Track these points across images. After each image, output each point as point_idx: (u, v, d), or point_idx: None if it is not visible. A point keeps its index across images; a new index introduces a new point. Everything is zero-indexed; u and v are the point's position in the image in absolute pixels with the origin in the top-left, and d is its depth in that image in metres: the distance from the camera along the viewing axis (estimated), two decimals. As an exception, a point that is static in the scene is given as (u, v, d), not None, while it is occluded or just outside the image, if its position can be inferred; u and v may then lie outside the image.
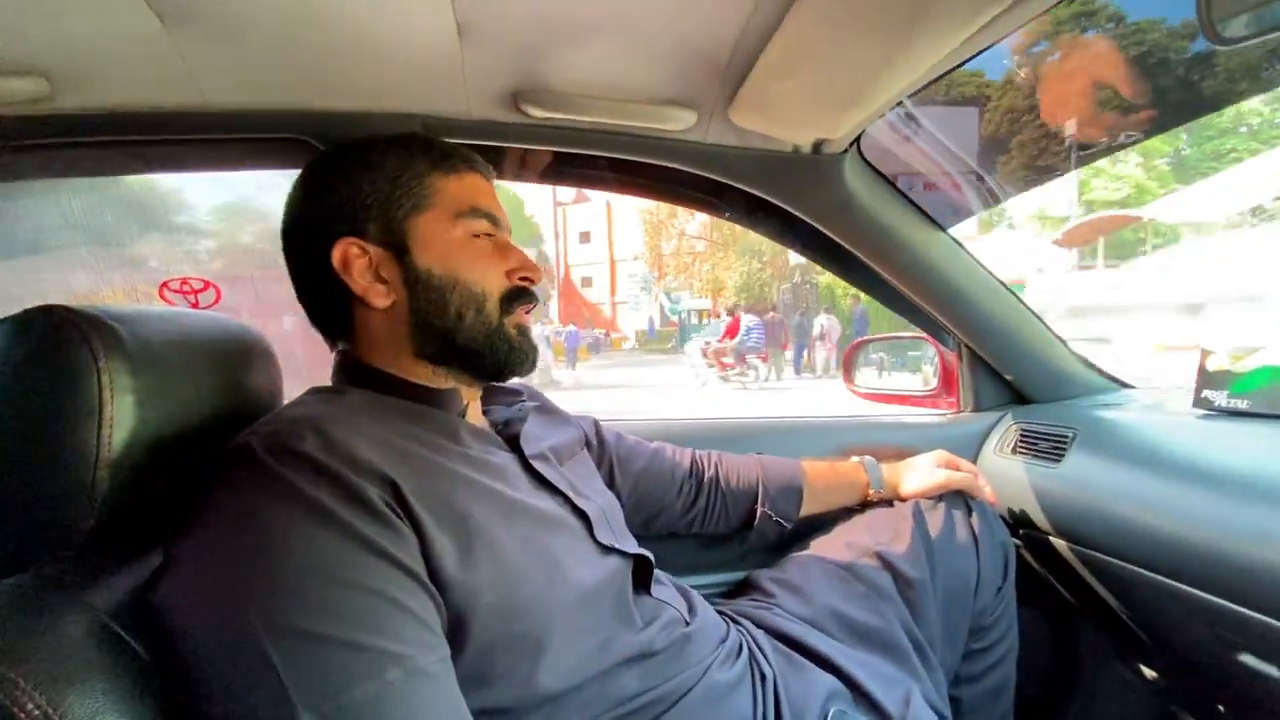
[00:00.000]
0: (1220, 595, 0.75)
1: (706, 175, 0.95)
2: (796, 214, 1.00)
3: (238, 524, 0.42)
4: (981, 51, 0.72)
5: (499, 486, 0.56)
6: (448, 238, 0.60)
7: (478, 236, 0.62)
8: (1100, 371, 1.16)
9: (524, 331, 0.64)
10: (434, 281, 0.59)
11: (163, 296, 1.17)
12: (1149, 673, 1.06)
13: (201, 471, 0.46)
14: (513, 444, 0.65)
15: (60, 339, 0.43)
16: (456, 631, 0.47)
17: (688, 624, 0.66)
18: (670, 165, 0.94)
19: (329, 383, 0.63)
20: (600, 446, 0.87)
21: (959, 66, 0.75)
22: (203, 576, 0.41)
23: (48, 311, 0.44)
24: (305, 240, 0.61)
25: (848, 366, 1.44)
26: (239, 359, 0.60)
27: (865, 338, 1.43)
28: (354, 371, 0.62)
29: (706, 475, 0.94)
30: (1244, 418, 0.85)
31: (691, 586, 0.78)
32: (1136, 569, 0.86)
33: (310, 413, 0.50)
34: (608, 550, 0.62)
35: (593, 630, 0.56)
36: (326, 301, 0.61)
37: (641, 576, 0.66)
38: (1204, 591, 0.77)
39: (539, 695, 0.50)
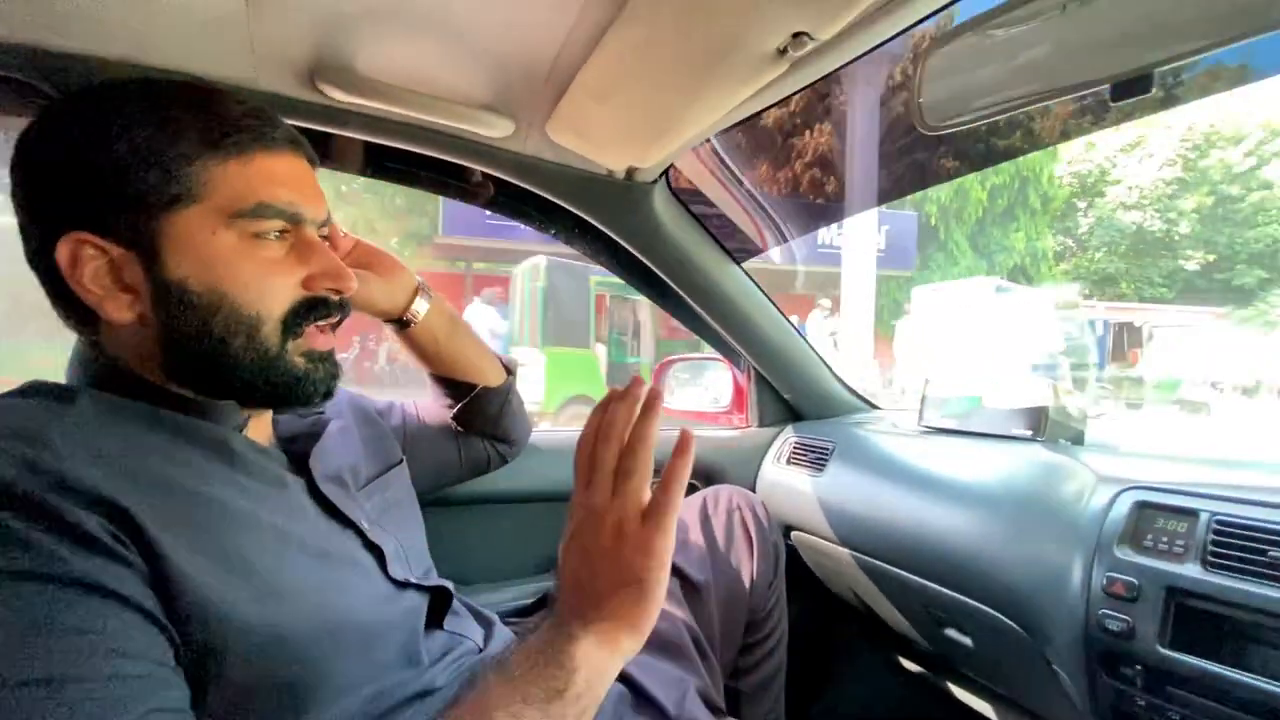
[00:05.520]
0: (929, 579, 0.93)
1: (523, 186, 0.95)
2: (610, 234, 1.04)
3: None
4: (777, 103, 0.81)
5: (274, 517, 0.49)
6: (214, 242, 0.48)
7: (262, 237, 0.50)
8: (856, 393, 1.38)
9: (318, 357, 0.54)
10: (190, 298, 0.48)
11: None
12: (899, 657, 1.26)
13: None
14: (302, 464, 0.57)
15: None
16: (207, 671, 0.41)
17: (480, 651, 0.64)
18: (486, 171, 0.93)
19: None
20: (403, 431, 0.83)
21: (762, 113, 0.84)
22: None
23: None
24: (29, 224, 0.48)
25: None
26: None
27: (673, 357, 1.54)
28: (96, 368, 0.50)
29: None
30: (951, 434, 1.07)
31: (493, 600, 0.76)
32: (875, 560, 1.02)
33: (17, 422, 0.41)
34: (402, 586, 0.58)
35: (371, 678, 0.51)
36: (62, 301, 0.49)
37: (437, 610, 0.62)
38: (919, 577, 0.94)
39: None
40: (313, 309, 0.53)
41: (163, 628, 0.40)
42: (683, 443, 0.49)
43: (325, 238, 0.57)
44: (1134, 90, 0.44)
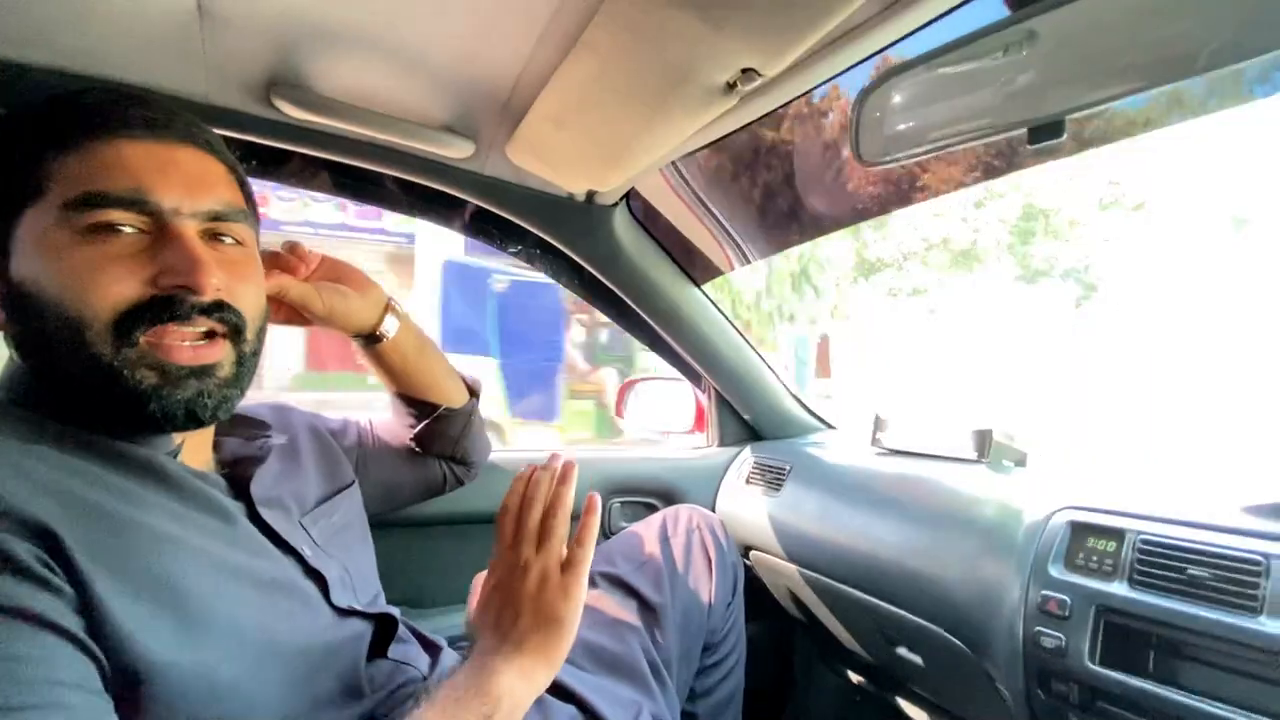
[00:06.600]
0: (882, 599, 0.94)
1: (484, 207, 0.96)
2: (571, 255, 1.05)
3: None
4: (735, 132, 0.83)
5: (209, 543, 0.48)
6: (47, 239, 0.45)
7: (104, 230, 0.45)
8: (813, 413, 1.40)
9: (177, 372, 0.47)
10: (26, 300, 0.45)
11: None
12: (853, 676, 1.27)
13: None
14: (243, 489, 0.56)
15: None
16: (137, 701, 0.40)
17: (425, 679, 0.63)
18: (446, 191, 0.93)
19: None
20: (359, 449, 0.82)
21: (721, 140, 0.86)
22: None
23: None
24: None
25: (620, 403, 1.53)
26: None
27: (635, 377, 1.54)
28: (22, 385, 0.49)
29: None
30: (901, 455, 1.09)
31: (446, 624, 0.74)
32: (830, 580, 1.04)
33: None
34: (346, 614, 0.57)
35: (310, 709, 0.50)
36: None
37: (382, 637, 0.61)
38: (872, 596, 0.96)
39: None
40: (153, 310, 0.46)
41: (94, 656, 0.39)
42: (589, 505, 0.60)
43: (221, 235, 0.51)
44: (1047, 135, 0.47)
